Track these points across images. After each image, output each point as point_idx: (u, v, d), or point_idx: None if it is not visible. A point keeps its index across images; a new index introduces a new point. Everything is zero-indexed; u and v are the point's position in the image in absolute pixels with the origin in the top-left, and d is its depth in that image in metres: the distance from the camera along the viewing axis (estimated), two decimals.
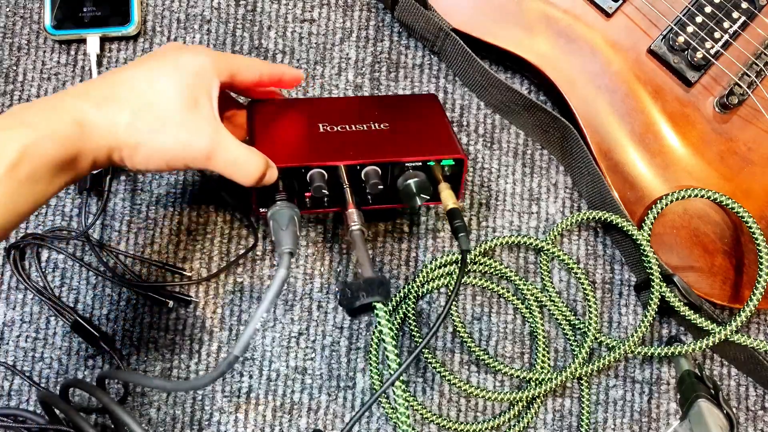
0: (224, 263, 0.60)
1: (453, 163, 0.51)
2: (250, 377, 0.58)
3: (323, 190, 0.48)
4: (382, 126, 0.53)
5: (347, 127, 0.53)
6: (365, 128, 0.53)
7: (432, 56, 0.63)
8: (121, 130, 0.41)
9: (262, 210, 0.50)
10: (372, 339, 0.59)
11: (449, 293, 0.46)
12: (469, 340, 0.58)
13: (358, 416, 0.48)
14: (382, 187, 0.49)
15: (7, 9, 0.63)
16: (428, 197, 0.51)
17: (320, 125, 0.53)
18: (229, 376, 0.58)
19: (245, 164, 0.44)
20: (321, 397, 0.58)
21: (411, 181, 0.50)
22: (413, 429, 0.46)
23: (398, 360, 0.46)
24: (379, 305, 0.46)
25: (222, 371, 0.40)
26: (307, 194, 0.51)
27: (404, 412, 0.46)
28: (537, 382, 0.57)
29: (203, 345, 0.59)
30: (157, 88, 0.42)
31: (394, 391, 0.46)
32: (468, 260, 0.47)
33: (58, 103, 0.40)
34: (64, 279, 0.59)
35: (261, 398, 0.58)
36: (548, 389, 0.57)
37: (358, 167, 0.50)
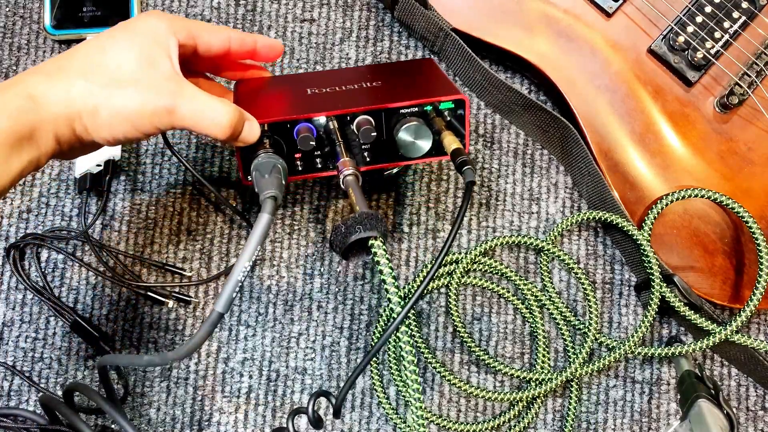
0: (224, 263, 0.60)
1: (452, 105, 0.47)
2: (250, 377, 0.58)
3: (310, 142, 0.45)
4: (374, 84, 0.50)
5: (337, 88, 0.49)
6: (356, 87, 0.49)
7: (432, 56, 0.63)
8: (76, 96, 0.40)
9: (249, 178, 0.45)
10: (372, 339, 0.58)
11: (454, 223, 0.42)
12: (469, 340, 0.58)
13: (365, 363, 0.42)
14: (375, 134, 0.46)
15: (7, 9, 0.63)
16: (429, 145, 0.47)
17: (308, 90, 0.50)
18: (229, 377, 0.58)
19: (212, 111, 0.42)
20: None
21: (407, 126, 0.46)
22: (417, 376, 0.42)
23: (401, 302, 0.42)
24: (376, 242, 0.41)
25: (207, 332, 0.37)
26: (297, 155, 0.48)
27: (410, 359, 0.42)
28: (537, 382, 0.57)
29: (203, 345, 0.59)
30: (110, 52, 0.41)
31: (399, 337, 0.42)
32: (472, 192, 0.44)
33: (12, 80, 0.40)
34: (64, 279, 0.59)
35: (261, 398, 0.58)
36: (548, 389, 0.57)
37: (348, 117, 0.46)
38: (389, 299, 0.42)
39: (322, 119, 0.46)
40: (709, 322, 0.55)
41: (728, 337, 0.55)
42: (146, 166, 0.61)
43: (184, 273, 0.59)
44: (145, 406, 0.58)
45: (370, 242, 0.42)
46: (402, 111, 0.47)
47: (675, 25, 0.57)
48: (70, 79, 0.40)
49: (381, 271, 0.42)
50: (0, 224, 0.60)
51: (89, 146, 0.44)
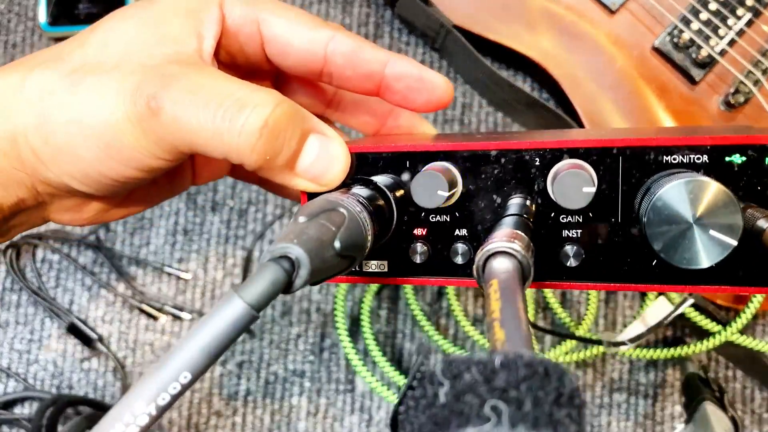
0: (221, 264, 0.59)
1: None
2: (248, 380, 0.58)
3: (449, 190, 0.24)
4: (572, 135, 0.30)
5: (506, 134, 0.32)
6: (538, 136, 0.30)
7: (433, 53, 0.62)
8: (25, 96, 0.24)
9: None
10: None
11: None
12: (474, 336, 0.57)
13: None
14: (593, 189, 0.23)
15: (2, 6, 0.62)
16: (737, 236, 0.22)
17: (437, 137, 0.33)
18: (227, 379, 0.58)
19: (230, 104, 0.22)
20: (320, 401, 0.58)
21: (681, 182, 0.22)
22: None
23: None
24: None
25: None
26: (417, 233, 0.26)
27: None
28: None
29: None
30: (107, 25, 0.26)
31: None
32: None
33: None
34: (59, 280, 0.58)
35: (259, 401, 0.58)
36: None
37: (537, 162, 0.25)
38: None
39: (477, 158, 0.25)
40: (714, 323, 0.54)
41: (732, 338, 0.54)
42: None
43: (181, 276, 0.58)
44: None
45: None
46: (664, 159, 0.24)
47: (679, 22, 0.56)
48: (29, 68, 0.25)
49: None
50: None
51: (65, 197, 0.27)
